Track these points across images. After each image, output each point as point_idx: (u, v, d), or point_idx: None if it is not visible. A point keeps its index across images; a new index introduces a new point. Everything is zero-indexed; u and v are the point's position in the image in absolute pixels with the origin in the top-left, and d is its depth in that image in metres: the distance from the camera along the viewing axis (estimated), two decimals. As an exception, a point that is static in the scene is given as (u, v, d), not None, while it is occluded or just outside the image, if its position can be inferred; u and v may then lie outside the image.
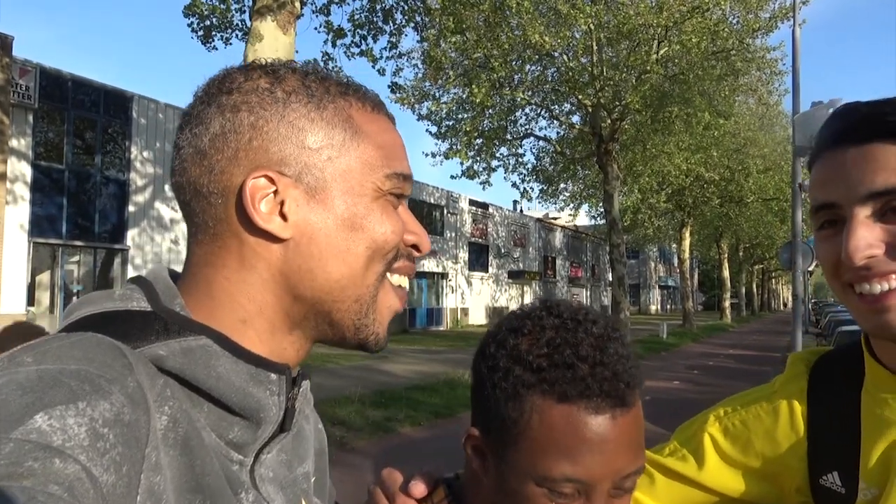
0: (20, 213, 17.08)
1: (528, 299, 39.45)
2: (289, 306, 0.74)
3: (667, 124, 21.48)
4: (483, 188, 27.15)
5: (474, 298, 37.75)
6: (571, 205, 29.14)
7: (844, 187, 0.90)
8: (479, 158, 22.52)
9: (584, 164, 25.32)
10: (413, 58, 19.50)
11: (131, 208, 19.52)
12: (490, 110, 20.75)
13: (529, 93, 21.29)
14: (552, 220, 52.17)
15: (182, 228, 20.17)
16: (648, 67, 18.50)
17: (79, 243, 18.48)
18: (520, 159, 24.80)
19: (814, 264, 16.99)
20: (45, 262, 18.15)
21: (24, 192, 17.18)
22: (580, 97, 20.23)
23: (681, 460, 1.16)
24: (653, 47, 18.81)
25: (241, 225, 0.71)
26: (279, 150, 0.71)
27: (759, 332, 38.13)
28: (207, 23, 12.72)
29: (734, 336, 34.13)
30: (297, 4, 7.79)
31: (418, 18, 14.01)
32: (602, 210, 24.23)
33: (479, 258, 38.95)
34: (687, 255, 38.31)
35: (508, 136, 23.44)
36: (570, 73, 19.63)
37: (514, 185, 25.35)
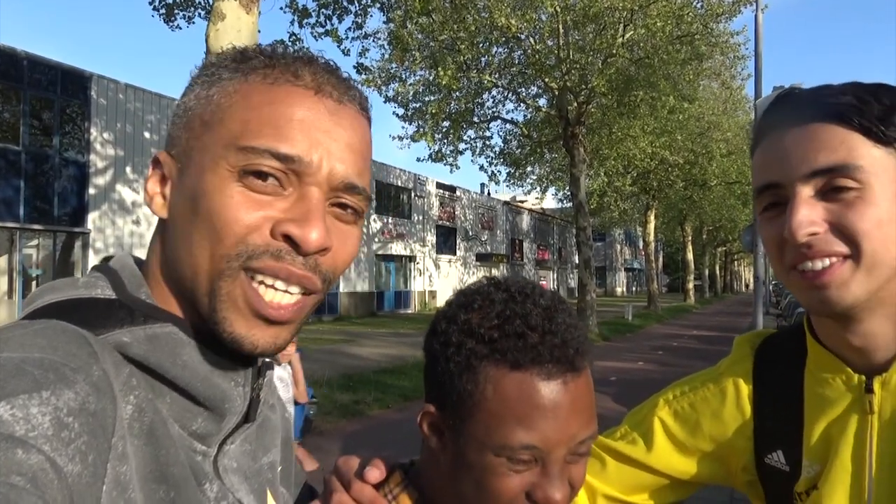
0: (-25, 196, 16.62)
1: (495, 282, 39.47)
2: (169, 285, 0.73)
3: (632, 108, 21.64)
4: (450, 171, 27.14)
5: (442, 281, 37.79)
6: (538, 188, 29.30)
7: (787, 167, 0.92)
8: (446, 141, 22.47)
9: (551, 148, 25.43)
10: (379, 38, 19.33)
11: (92, 191, 19.09)
12: (457, 93, 20.65)
13: (496, 75, 21.26)
14: (519, 204, 52.35)
15: (145, 212, 19.83)
16: (614, 51, 18.58)
17: (37, 227, 18.03)
18: (487, 142, 24.81)
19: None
20: (2, 246, 17.70)
21: (-21, 174, 16.71)
22: (547, 80, 20.26)
23: (631, 444, 1.18)
24: (618, 31, 18.88)
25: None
26: (174, 130, 0.73)
27: (721, 313, 38.85)
28: (170, 1, 12.45)
29: (697, 317, 34.73)
30: (261, -17, 7.65)
31: (384, -1, 13.89)
32: (569, 193, 24.37)
33: (446, 241, 38.98)
34: (652, 237, 38.83)
35: (475, 119, 23.40)
36: (537, 56, 19.62)
37: (481, 168, 25.43)
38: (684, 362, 14.83)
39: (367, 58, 16.02)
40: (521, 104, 23.82)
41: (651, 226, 38.01)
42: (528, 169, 27.94)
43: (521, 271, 48.91)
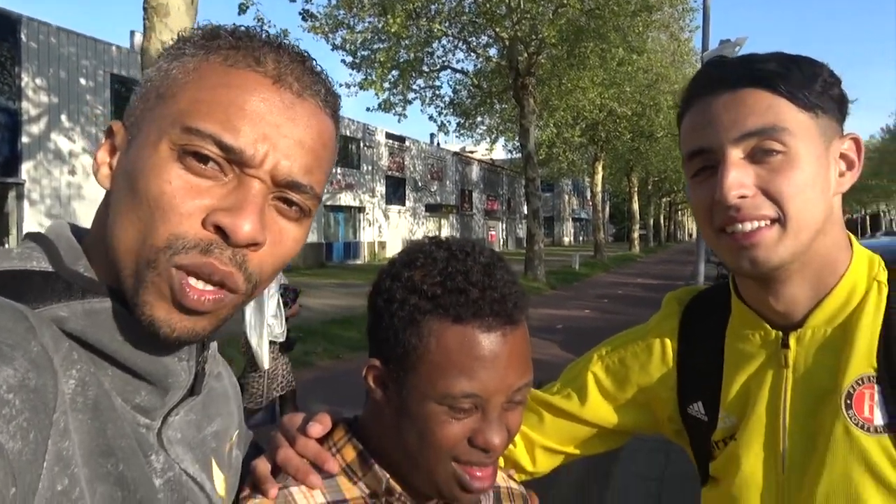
0: None
1: (445, 232, 39.98)
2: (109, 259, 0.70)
3: (582, 59, 21.60)
4: (399, 121, 26.78)
5: (392, 232, 37.70)
6: (488, 138, 29.21)
7: (718, 131, 0.96)
8: (394, 91, 22.14)
9: (501, 98, 25.29)
10: (326, -17, 18.77)
11: (25, 139, 18.27)
12: (406, 41, 20.29)
13: (446, 24, 20.91)
14: (469, 154, 52.22)
15: (82, 162, 19.14)
16: (565, 1, 18.45)
17: (-32, 177, 17.28)
18: (437, 92, 24.55)
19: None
20: (-70, 197, 16.94)
21: None
22: (497, 30, 20.04)
23: (566, 398, 1.24)
24: (569, -20, 18.72)
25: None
26: (132, 101, 0.71)
27: (665, 262, 39.83)
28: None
29: (642, 266, 35.54)
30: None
31: (331, -58, 13.44)
32: (518, 144, 24.40)
33: (396, 192, 38.75)
34: (599, 188, 39.26)
35: (425, 69, 23.07)
36: (488, 5, 19.35)
37: (431, 118, 25.06)
38: (629, 310, 15.22)
39: (313, 3, 15.54)
40: (472, 54, 23.56)
41: (598, 176, 38.40)
42: (478, 119, 27.78)
43: (471, 222, 49.16)
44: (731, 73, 0.97)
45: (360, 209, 35.03)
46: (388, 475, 0.93)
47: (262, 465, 0.94)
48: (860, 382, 0.96)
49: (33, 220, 17.99)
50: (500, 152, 47.37)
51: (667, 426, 1.20)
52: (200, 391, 0.77)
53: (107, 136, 0.71)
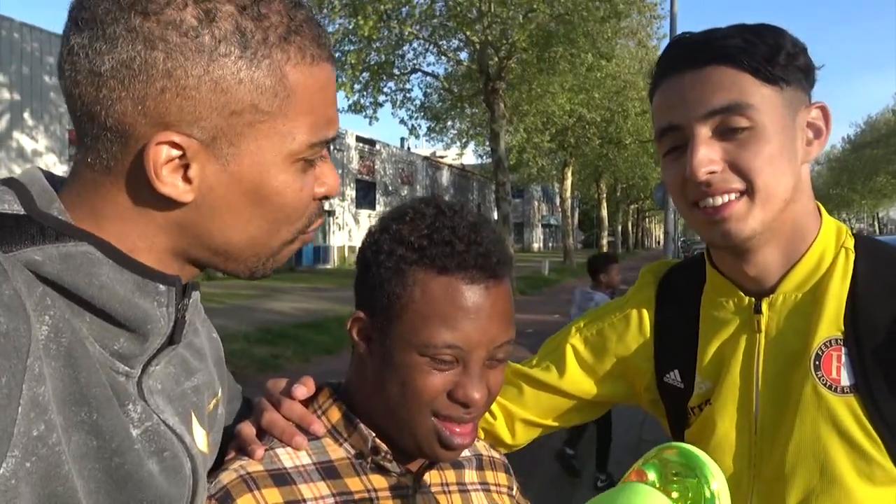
0: None
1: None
2: (182, 250, 0.72)
3: (552, 64, 21.74)
4: (370, 123, 26.73)
5: (362, 236, 37.30)
6: (458, 143, 29.26)
7: (686, 109, 0.99)
8: (365, 93, 22.08)
9: (472, 103, 25.34)
10: (297, -15, 18.66)
11: (-14, 138, 17.88)
12: (377, 43, 20.26)
13: (417, 27, 20.92)
14: (439, 159, 52.27)
15: (46, 161, 18.75)
16: (535, 6, 18.55)
17: (-75, 176, 16.79)
18: (407, 95, 24.51)
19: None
20: None
21: None
22: (468, 34, 20.09)
23: (545, 370, 1.25)
24: (540, -15, 18.86)
25: (139, 176, 0.66)
26: (194, 109, 0.64)
27: (633, 268, 39.94)
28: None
29: (610, 271, 35.74)
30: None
31: (302, -57, 13.37)
32: (488, 149, 24.46)
33: (366, 195, 38.60)
34: (569, 194, 39.55)
35: (396, 71, 23.05)
36: (459, 9, 19.39)
37: (401, 121, 25.12)
38: (597, 314, 15.27)
39: (284, 4, 15.41)
40: (442, 57, 23.57)
41: (568, 182, 38.68)
42: (449, 123, 27.85)
43: (441, 226, 49.03)
44: (695, 51, 1.00)
45: (331, 213, 34.81)
46: (373, 434, 0.94)
47: (247, 429, 0.94)
48: (828, 345, 0.99)
49: (-6, 220, 17.52)
50: (470, 157, 47.48)
51: (643, 396, 1.22)
52: (180, 339, 0.75)
53: (165, 154, 0.65)
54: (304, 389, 0.97)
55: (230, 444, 0.94)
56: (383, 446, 0.94)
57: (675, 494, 0.80)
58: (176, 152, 0.65)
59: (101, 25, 0.62)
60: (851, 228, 1.08)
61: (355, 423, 0.95)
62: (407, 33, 20.26)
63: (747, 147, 0.96)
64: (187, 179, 0.67)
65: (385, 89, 23.25)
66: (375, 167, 39.60)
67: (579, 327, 1.27)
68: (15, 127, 18.50)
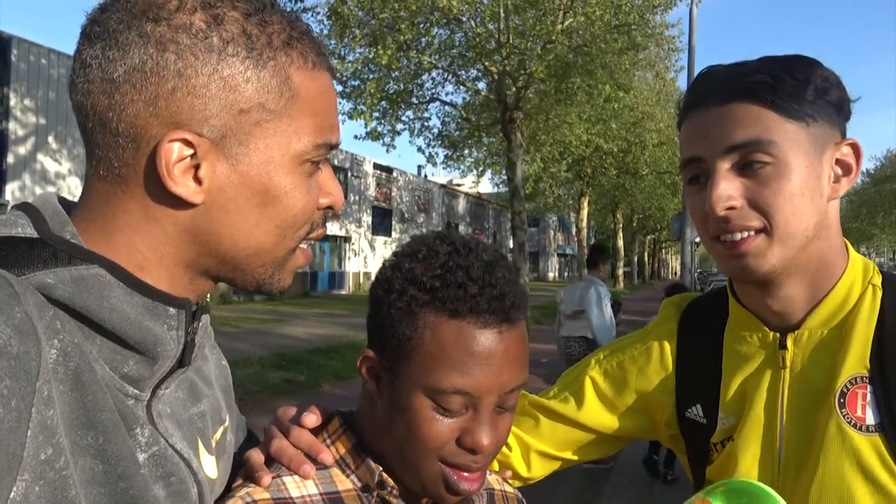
0: None
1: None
2: (191, 259, 0.72)
3: (569, 95, 21.87)
4: (387, 150, 26.98)
5: (377, 263, 37.60)
6: (475, 171, 29.39)
7: (708, 143, 0.98)
8: (383, 121, 22.29)
9: (489, 132, 25.48)
10: (318, 13, 18.97)
11: (11, 160, 18.16)
12: (396, 73, 20.49)
13: (436, 57, 21.16)
14: (456, 187, 52.48)
15: (69, 184, 19.03)
16: (553, 37, 18.73)
17: (-50, 196, 17.11)
18: (425, 123, 24.71)
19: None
20: (-89, 215, 16.70)
21: None
22: (486, 64, 20.28)
23: (563, 402, 1.23)
24: (558, 17, 19.03)
25: (151, 178, 0.67)
26: (204, 107, 0.66)
27: (649, 299, 39.87)
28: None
29: (626, 303, 35.28)
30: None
31: (325, -27, 13.63)
32: (505, 177, 24.56)
33: (382, 222, 38.80)
34: (585, 224, 39.51)
35: (414, 100, 23.27)
36: (477, 39, 19.61)
37: (419, 149, 25.19)
38: (612, 345, 15.15)
39: (305, 33, 15.64)
40: (461, 87, 23.79)
41: (584, 212, 38.69)
42: (466, 152, 27.99)
43: (457, 254, 49.08)
44: (721, 85, 0.99)
45: (346, 239, 35.00)
46: (380, 468, 0.92)
47: (256, 455, 0.93)
48: (853, 382, 0.97)
49: (15, 241, 17.77)
50: (486, 185, 47.70)
51: (663, 431, 1.19)
52: (190, 362, 0.75)
53: (176, 152, 0.67)
54: (313, 418, 0.96)
55: (239, 472, 0.93)
56: (390, 481, 0.91)
57: None
58: (187, 150, 0.67)
59: (114, 35, 0.65)
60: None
61: (363, 455, 0.93)
62: (426, 63, 20.49)
63: (768, 184, 0.95)
64: (198, 180, 0.68)
65: (403, 118, 23.48)
66: (392, 194, 39.85)
67: (599, 359, 1.25)
68: (40, 150, 18.82)
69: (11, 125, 18.16)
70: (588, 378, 1.23)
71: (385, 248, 38.70)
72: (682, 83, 35.23)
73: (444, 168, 28.91)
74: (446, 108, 25.38)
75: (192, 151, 0.66)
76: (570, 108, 23.09)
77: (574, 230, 53.13)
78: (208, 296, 0.82)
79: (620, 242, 48.61)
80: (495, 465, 1.18)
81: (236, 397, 0.99)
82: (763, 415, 1.03)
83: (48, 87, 19.01)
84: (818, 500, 0.95)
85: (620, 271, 49.81)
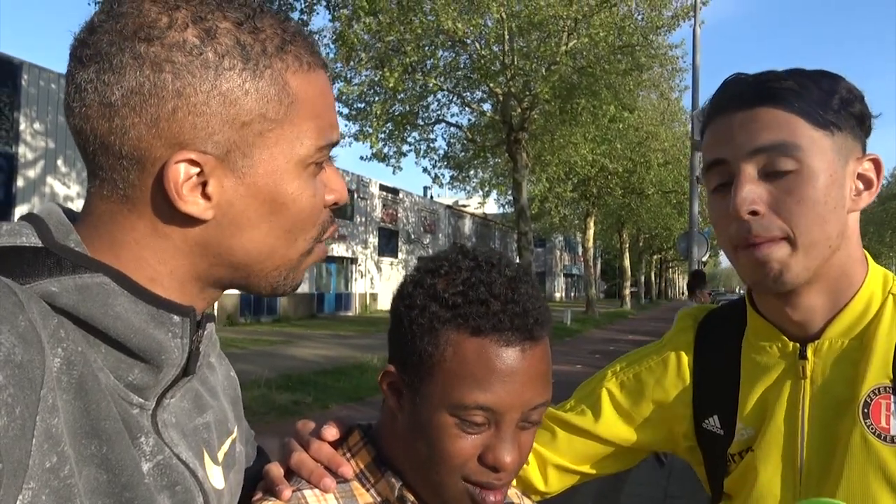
0: None
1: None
2: (203, 271, 0.72)
3: (574, 115, 21.97)
4: (393, 172, 27.09)
5: (384, 284, 37.63)
6: (481, 192, 29.48)
7: (733, 146, 0.98)
8: (389, 143, 22.41)
9: (495, 152, 25.60)
10: (324, 37, 19.17)
11: (20, 183, 18.29)
12: (402, 95, 20.65)
13: (441, 79, 21.32)
14: (462, 208, 52.62)
15: (78, 206, 19.10)
16: (558, 59, 18.88)
17: (-40, 220, 17.18)
18: (431, 145, 24.84)
19: (707, 254, 17.96)
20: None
21: None
22: (491, 85, 20.42)
23: (579, 414, 1.22)
24: (562, 39, 19.19)
25: (159, 199, 0.67)
26: (206, 124, 0.66)
27: (656, 319, 39.79)
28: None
29: (634, 323, 35.46)
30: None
31: (331, -3, 13.78)
32: (511, 198, 24.62)
33: (388, 243, 38.82)
34: (591, 244, 39.45)
35: (420, 122, 23.41)
36: (482, 61, 19.76)
37: (424, 170, 25.30)
38: (621, 365, 15.08)
39: (312, 56, 15.81)
40: (466, 108, 23.95)
41: (590, 232, 38.65)
42: (471, 172, 28.11)
43: (463, 275, 49.00)
44: (748, 91, 0.99)
45: (353, 260, 35.02)
46: (400, 483, 0.91)
47: (276, 469, 0.92)
48: (877, 392, 0.96)
49: (23, 264, 17.86)
50: (492, 206, 47.78)
51: (681, 443, 1.18)
52: (195, 371, 0.74)
53: (190, 166, 0.67)
54: (333, 431, 0.95)
55: (258, 485, 0.92)
56: (410, 496, 0.90)
57: None
58: (194, 170, 0.66)
59: (107, 57, 0.64)
60: None
61: (383, 469, 0.92)
62: (431, 85, 20.63)
63: (792, 191, 0.94)
64: (206, 196, 0.68)
65: (409, 139, 23.62)
66: (398, 215, 39.92)
67: (615, 371, 1.25)
68: (49, 173, 18.97)
69: (21, 149, 18.32)
70: (605, 390, 1.22)
71: (391, 270, 38.70)
72: (687, 103, 35.45)
73: (449, 189, 29.01)
74: (452, 129, 25.56)
75: (198, 170, 0.67)
76: (575, 128, 23.20)
77: (580, 250, 53.04)
78: (215, 316, 0.82)
79: (627, 262, 48.49)
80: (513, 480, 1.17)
81: (244, 418, 0.99)
82: (784, 425, 1.02)
83: (57, 111, 19.17)
84: None
85: (627, 291, 49.68)
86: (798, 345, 1.03)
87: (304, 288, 30.38)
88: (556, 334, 24.89)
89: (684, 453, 1.19)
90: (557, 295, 71.59)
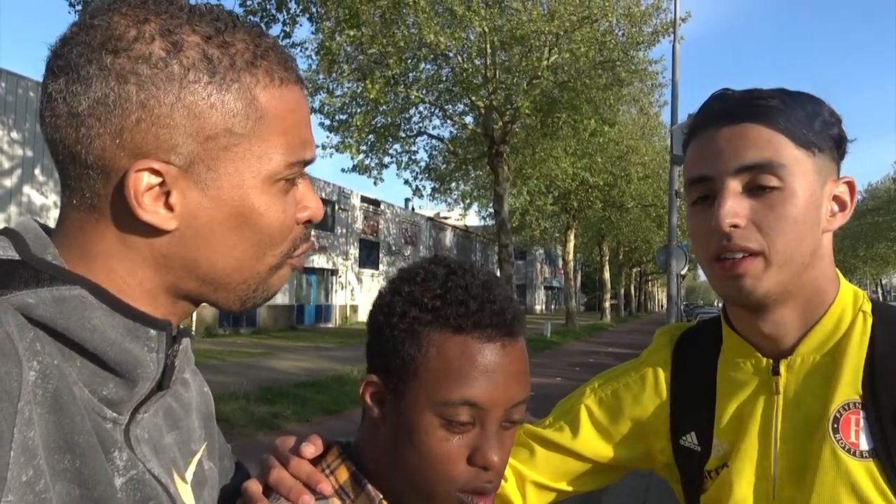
0: None
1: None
2: (172, 283, 0.72)
3: (555, 129, 22.14)
4: (375, 184, 27.13)
5: (364, 296, 37.50)
6: (462, 204, 29.55)
7: (719, 162, 0.99)
8: (371, 154, 22.42)
9: (476, 165, 25.71)
10: (307, 48, 19.17)
11: (-4, 193, 18.09)
12: (384, 106, 20.69)
13: (424, 91, 21.38)
14: (443, 220, 52.69)
15: (54, 215, 18.90)
16: (539, 73, 19.02)
17: (-67, 229, 16.92)
18: (412, 157, 24.88)
19: (686, 268, 18.10)
20: None
21: None
22: (473, 98, 20.53)
23: (558, 431, 1.23)
24: (544, 54, 19.35)
25: (122, 208, 0.67)
26: (170, 136, 0.66)
27: (636, 331, 39.99)
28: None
29: (613, 335, 35.60)
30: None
31: (313, 9, 13.81)
32: (492, 210, 24.71)
33: (369, 255, 38.74)
34: (571, 256, 39.64)
35: (402, 134, 23.45)
36: (464, 75, 19.87)
37: (406, 182, 25.32)
38: (600, 378, 15.11)
39: (294, 67, 15.81)
40: (448, 121, 24.04)
41: (570, 245, 38.84)
42: (453, 185, 28.17)
43: (444, 287, 48.99)
44: (734, 107, 1.01)
45: (333, 272, 34.89)
46: (380, 496, 0.91)
47: (254, 486, 0.92)
48: (846, 408, 0.98)
49: None
50: (473, 219, 47.87)
51: (658, 460, 1.19)
52: (169, 385, 0.74)
53: (144, 181, 0.67)
54: (312, 448, 0.95)
55: (237, 502, 0.92)
56: None
57: None
58: (156, 179, 0.66)
59: (76, 69, 0.65)
60: None
61: (363, 483, 0.92)
62: (413, 97, 20.70)
63: (774, 208, 0.97)
64: (169, 207, 0.68)
65: (391, 151, 23.63)
66: (379, 227, 39.90)
67: (594, 388, 1.26)
68: (26, 182, 18.74)
69: (-3, 158, 18.09)
70: (583, 407, 1.23)
71: (372, 281, 38.60)
72: (666, 118, 35.74)
73: (431, 201, 29.08)
74: (433, 141, 25.62)
75: (160, 179, 0.66)
76: (556, 142, 23.36)
77: (561, 263, 53.24)
78: (193, 328, 0.82)
79: (607, 275, 48.80)
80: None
81: (223, 431, 0.98)
82: (757, 441, 1.04)
83: (35, 119, 18.93)
84: None
85: (607, 304, 49.94)
86: (772, 361, 1.05)
87: (283, 299, 30.20)
88: (536, 347, 24.96)
89: (661, 470, 1.20)
90: (538, 307, 71.78)
